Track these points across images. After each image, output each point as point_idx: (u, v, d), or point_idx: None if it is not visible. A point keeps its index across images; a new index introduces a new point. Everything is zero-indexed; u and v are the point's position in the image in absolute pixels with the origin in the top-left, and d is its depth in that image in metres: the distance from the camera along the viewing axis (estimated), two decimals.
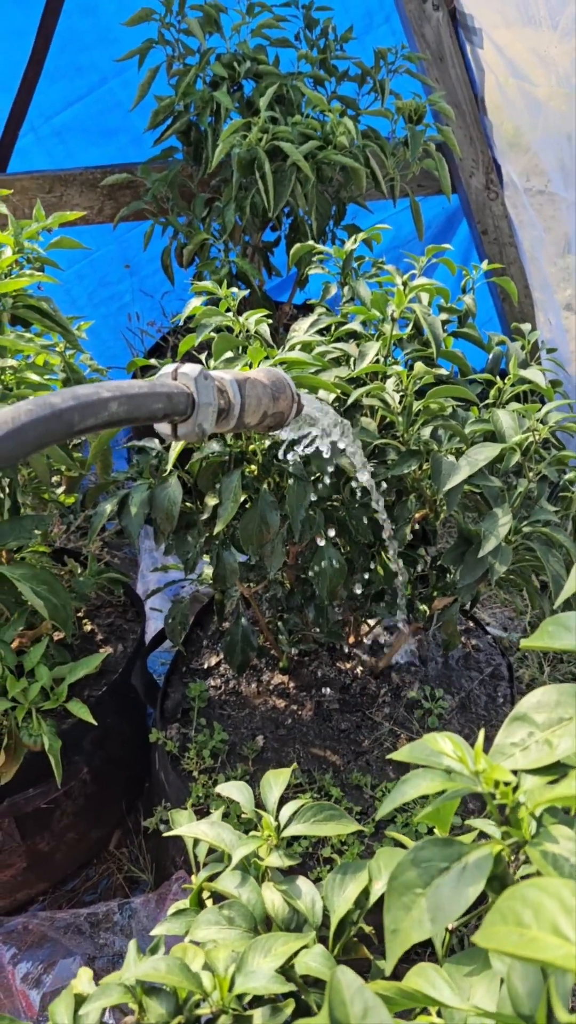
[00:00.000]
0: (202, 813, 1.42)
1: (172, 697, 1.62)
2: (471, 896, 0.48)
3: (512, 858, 0.54)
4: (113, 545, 2.41)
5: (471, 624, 1.83)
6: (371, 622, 1.69)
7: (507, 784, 0.49)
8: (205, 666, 1.70)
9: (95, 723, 1.33)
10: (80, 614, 1.80)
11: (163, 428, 0.78)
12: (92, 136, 2.72)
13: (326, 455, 1.15)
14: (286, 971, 0.69)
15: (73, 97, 2.66)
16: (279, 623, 1.62)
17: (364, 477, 1.21)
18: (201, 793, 1.42)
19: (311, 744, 1.53)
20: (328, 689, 1.63)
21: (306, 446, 1.12)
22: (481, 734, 0.50)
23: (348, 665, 1.69)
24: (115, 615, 1.82)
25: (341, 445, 1.14)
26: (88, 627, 1.77)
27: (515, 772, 0.53)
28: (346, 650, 1.72)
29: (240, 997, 0.64)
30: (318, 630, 1.55)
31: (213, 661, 1.71)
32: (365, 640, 1.75)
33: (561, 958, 0.34)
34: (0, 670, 1.28)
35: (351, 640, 1.70)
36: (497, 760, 0.54)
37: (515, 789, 0.51)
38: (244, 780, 1.46)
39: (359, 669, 1.67)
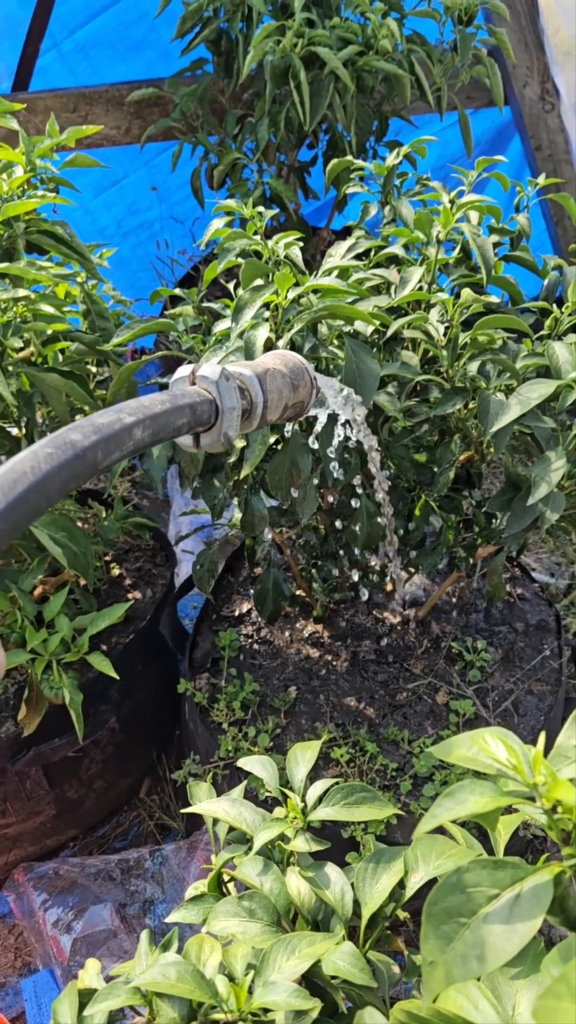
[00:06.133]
0: (232, 768, 1.37)
1: (201, 646, 1.57)
2: (527, 933, 0.40)
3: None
4: (143, 485, 2.34)
5: (516, 571, 1.73)
6: (411, 569, 1.60)
7: (572, 803, 0.40)
8: (236, 613, 1.63)
9: (117, 678, 1.27)
10: (108, 558, 1.74)
11: (184, 440, 0.69)
12: (118, 51, 2.55)
13: (339, 437, 1.08)
14: (311, 968, 0.62)
15: (97, 8, 2.49)
16: (313, 570, 1.54)
17: (371, 457, 1.13)
18: (231, 747, 1.37)
19: (346, 696, 1.47)
20: (364, 639, 1.56)
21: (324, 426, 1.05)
22: (542, 738, 0.42)
23: (385, 614, 1.61)
24: (144, 559, 1.76)
25: (343, 417, 1.05)
26: (116, 571, 1.72)
27: None
28: (384, 598, 1.64)
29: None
30: (355, 575, 1.47)
31: (244, 608, 1.64)
32: (403, 587, 1.66)
33: None
34: (19, 620, 1.22)
35: (389, 588, 1.62)
36: (559, 764, 0.45)
37: None
38: (275, 733, 1.41)
39: (397, 618, 1.59)
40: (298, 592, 1.57)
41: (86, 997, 0.61)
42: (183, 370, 0.69)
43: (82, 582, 1.58)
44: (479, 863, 0.43)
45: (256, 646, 1.56)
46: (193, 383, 0.68)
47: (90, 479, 0.51)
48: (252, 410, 0.74)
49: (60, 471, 0.48)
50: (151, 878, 1.60)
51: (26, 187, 1.26)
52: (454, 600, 1.63)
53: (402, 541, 1.39)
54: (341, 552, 1.47)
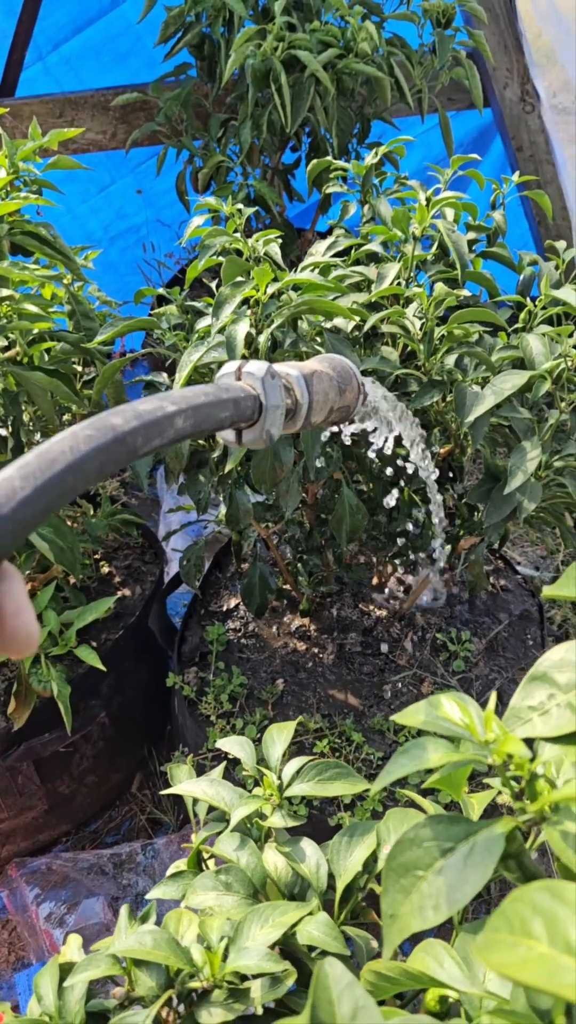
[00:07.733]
0: (220, 759, 1.39)
1: (190, 640, 1.58)
2: (479, 882, 0.42)
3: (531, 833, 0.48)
4: (133, 485, 2.36)
5: (500, 564, 1.75)
6: (395, 562, 1.62)
7: (523, 757, 0.42)
8: (224, 608, 1.65)
9: (104, 669, 1.29)
10: (97, 556, 1.75)
11: (226, 435, 0.70)
12: (104, 61, 2.58)
13: (388, 450, 1.10)
14: (287, 939, 0.64)
15: (83, 21, 2.51)
16: (299, 564, 1.56)
17: (424, 475, 1.16)
18: (219, 738, 1.39)
19: (332, 688, 1.49)
20: (350, 631, 1.58)
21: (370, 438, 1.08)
22: (493, 697, 0.44)
23: (371, 607, 1.63)
24: (133, 557, 1.78)
25: (398, 432, 1.07)
26: (105, 569, 1.73)
27: (532, 740, 0.47)
28: (369, 591, 1.66)
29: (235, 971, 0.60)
30: (338, 567, 1.49)
31: (232, 603, 1.66)
32: (389, 581, 1.68)
33: (572, 987, 0.28)
34: None
35: (375, 581, 1.64)
36: (512, 725, 0.47)
37: (532, 759, 0.45)
38: (263, 725, 1.43)
39: (382, 611, 1.61)
40: (284, 586, 1.59)
41: (67, 971, 0.62)
42: (230, 366, 0.69)
43: (71, 579, 1.59)
44: (435, 819, 0.45)
45: (244, 640, 1.58)
46: (239, 379, 0.69)
47: (124, 466, 0.51)
48: (297, 410, 0.75)
49: (99, 453, 0.47)
50: (143, 872, 1.62)
51: (9, 189, 1.28)
52: (439, 592, 1.66)
53: (386, 533, 1.41)
54: (325, 546, 1.49)
